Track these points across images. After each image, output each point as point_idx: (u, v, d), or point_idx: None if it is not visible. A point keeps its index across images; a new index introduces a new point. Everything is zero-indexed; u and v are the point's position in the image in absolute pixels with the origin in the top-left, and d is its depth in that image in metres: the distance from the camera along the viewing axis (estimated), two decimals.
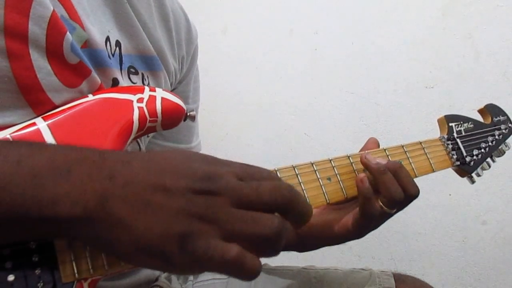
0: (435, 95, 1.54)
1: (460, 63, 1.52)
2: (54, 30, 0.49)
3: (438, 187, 1.52)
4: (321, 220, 0.70)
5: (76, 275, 0.42)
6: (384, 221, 0.68)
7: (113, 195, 0.38)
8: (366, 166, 0.65)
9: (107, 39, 0.58)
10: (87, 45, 0.54)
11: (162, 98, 0.56)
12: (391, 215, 0.66)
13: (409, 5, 1.57)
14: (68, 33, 0.50)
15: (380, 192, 0.64)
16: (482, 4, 1.49)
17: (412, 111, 1.56)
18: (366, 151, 0.68)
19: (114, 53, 0.60)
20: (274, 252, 0.41)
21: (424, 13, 1.55)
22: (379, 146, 0.72)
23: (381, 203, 0.64)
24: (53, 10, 0.49)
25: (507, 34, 1.47)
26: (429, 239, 1.55)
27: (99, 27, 0.57)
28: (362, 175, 0.64)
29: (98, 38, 0.56)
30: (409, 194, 0.65)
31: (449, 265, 1.53)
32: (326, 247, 0.74)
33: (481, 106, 0.85)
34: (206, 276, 0.84)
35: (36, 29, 0.48)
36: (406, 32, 1.57)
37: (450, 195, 1.52)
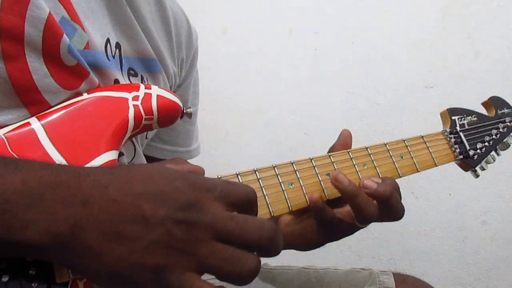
0: (435, 95, 1.53)
1: (460, 63, 1.51)
2: (51, 32, 0.48)
3: (438, 187, 1.52)
4: (298, 228, 0.67)
5: (71, 274, 0.41)
6: (357, 231, 0.65)
7: (86, 223, 0.37)
8: (337, 188, 0.60)
9: (107, 41, 0.58)
10: (89, 46, 0.54)
11: (158, 96, 0.56)
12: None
13: (409, 5, 1.57)
14: (65, 35, 0.50)
15: (353, 210, 0.61)
16: (482, 4, 1.49)
17: (412, 111, 1.56)
18: (337, 170, 0.63)
19: (114, 55, 0.59)
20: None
21: (424, 13, 1.55)
22: (351, 138, 0.69)
23: (353, 216, 0.61)
24: (50, 13, 0.48)
25: (507, 34, 1.47)
26: (429, 239, 1.54)
27: (98, 29, 0.57)
28: (315, 196, 0.60)
29: (98, 40, 0.56)
30: (393, 218, 0.62)
31: (449, 265, 1.53)
32: (325, 246, 0.73)
33: (485, 98, 0.83)
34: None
35: (33, 31, 0.47)
36: (406, 32, 1.57)
37: (450, 195, 1.52)
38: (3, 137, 0.46)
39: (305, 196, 0.59)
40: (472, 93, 1.48)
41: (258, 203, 0.53)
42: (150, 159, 0.77)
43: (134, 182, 0.40)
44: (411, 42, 1.56)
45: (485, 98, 0.84)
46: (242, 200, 0.42)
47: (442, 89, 1.53)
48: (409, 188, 1.53)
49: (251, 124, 1.74)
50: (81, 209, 0.37)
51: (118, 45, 0.60)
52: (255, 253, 0.41)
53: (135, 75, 0.63)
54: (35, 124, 0.48)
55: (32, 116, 0.49)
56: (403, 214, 0.62)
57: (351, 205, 0.60)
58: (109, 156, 0.50)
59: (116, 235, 0.37)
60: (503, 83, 1.47)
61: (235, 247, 0.40)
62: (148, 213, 0.38)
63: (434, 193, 1.53)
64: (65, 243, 0.37)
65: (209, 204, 0.40)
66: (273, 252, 0.42)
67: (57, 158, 0.47)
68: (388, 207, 0.60)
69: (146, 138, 0.70)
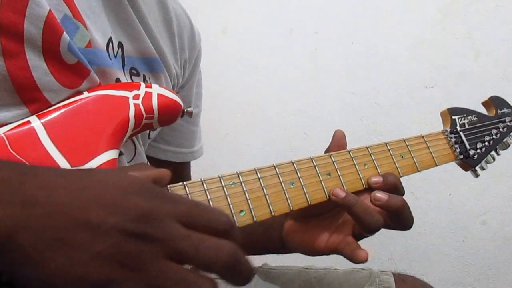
0: (435, 95, 1.54)
1: (460, 63, 1.52)
2: (51, 30, 0.48)
3: (438, 187, 1.52)
4: (304, 237, 0.67)
5: None
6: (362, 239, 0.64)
7: (26, 226, 0.33)
8: (335, 203, 0.60)
9: (110, 40, 0.58)
10: (91, 45, 0.54)
11: (158, 95, 0.55)
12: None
13: (409, 5, 1.57)
14: (65, 33, 0.49)
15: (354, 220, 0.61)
16: (482, 4, 1.49)
17: (412, 111, 1.56)
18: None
19: (116, 55, 0.59)
20: None
21: (424, 13, 1.55)
22: (345, 138, 0.69)
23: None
24: (50, 10, 0.48)
25: (507, 34, 1.47)
26: (429, 239, 1.54)
27: (100, 28, 0.57)
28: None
29: (100, 38, 0.56)
30: (402, 228, 0.62)
31: (449, 265, 1.53)
32: None
33: (485, 98, 0.83)
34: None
35: (32, 29, 0.47)
36: (406, 32, 1.57)
37: (450, 195, 1.52)
38: (3, 135, 0.46)
39: (305, 195, 0.59)
40: (472, 93, 1.48)
41: (259, 203, 0.54)
42: (153, 160, 0.77)
43: (88, 188, 0.36)
44: (411, 42, 1.56)
45: (485, 98, 0.84)
46: (206, 227, 0.38)
47: (442, 89, 1.53)
48: (409, 188, 1.53)
49: (251, 124, 1.74)
50: (20, 210, 0.34)
51: (120, 45, 0.60)
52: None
53: (137, 74, 0.63)
54: (35, 122, 0.48)
55: (32, 114, 0.49)
56: (412, 224, 0.62)
57: (351, 215, 0.60)
58: (109, 155, 0.50)
59: (58, 242, 0.33)
60: (503, 83, 1.47)
61: (191, 270, 0.36)
62: (96, 221, 0.34)
63: (434, 193, 1.53)
64: None
65: (165, 219, 0.36)
66: (234, 279, 0.37)
67: (57, 157, 0.47)
68: (399, 218, 0.60)
69: (149, 138, 0.70)
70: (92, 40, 0.54)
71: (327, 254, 0.65)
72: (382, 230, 0.61)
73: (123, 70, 0.60)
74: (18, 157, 0.46)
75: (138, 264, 0.34)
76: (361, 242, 0.63)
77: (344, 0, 1.64)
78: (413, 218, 0.62)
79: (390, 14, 1.58)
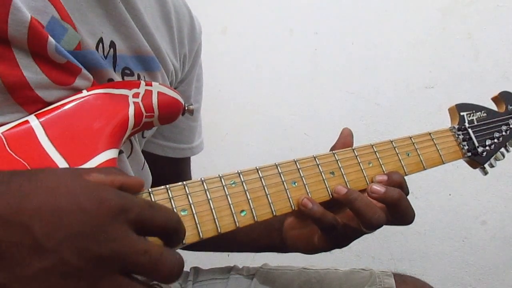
0: (435, 95, 1.53)
1: (460, 63, 1.51)
2: (35, 33, 0.47)
3: (438, 187, 1.51)
4: (304, 233, 0.66)
5: None
6: (364, 234, 0.63)
7: None
8: (337, 200, 0.59)
9: (100, 40, 0.57)
10: (81, 46, 0.53)
11: (159, 93, 0.55)
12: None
13: (409, 5, 1.57)
14: (50, 37, 0.48)
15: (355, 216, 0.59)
16: (482, 4, 1.49)
17: (412, 111, 1.55)
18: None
19: (107, 55, 0.58)
20: None
21: (424, 13, 1.55)
22: (353, 137, 0.68)
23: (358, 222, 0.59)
24: (32, 17, 0.47)
25: (507, 34, 1.47)
26: (429, 239, 1.54)
27: (91, 29, 0.56)
28: (304, 199, 0.57)
29: (90, 39, 0.55)
30: (403, 223, 0.61)
31: (449, 265, 1.53)
32: None
33: (495, 93, 0.80)
34: (206, 275, 0.84)
35: (17, 34, 0.46)
36: (406, 32, 1.57)
37: (450, 195, 1.51)
38: (1, 135, 0.46)
39: (308, 195, 0.58)
40: (472, 93, 1.47)
41: (261, 203, 0.53)
42: (151, 156, 0.76)
43: (31, 195, 0.33)
44: (411, 42, 1.56)
45: (495, 94, 0.81)
46: (161, 228, 0.38)
47: (442, 89, 1.53)
48: (409, 188, 1.53)
49: (251, 124, 1.73)
50: None
51: (112, 44, 0.59)
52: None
53: (131, 74, 0.61)
54: (34, 122, 0.48)
55: (29, 114, 0.48)
56: (413, 218, 0.61)
57: (352, 211, 0.58)
58: (109, 154, 0.49)
59: None
60: (503, 83, 1.47)
61: (140, 283, 0.35)
62: (40, 235, 0.31)
63: (434, 193, 1.53)
64: None
65: (118, 230, 0.34)
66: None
67: (56, 156, 0.47)
68: (397, 211, 0.59)
69: (143, 137, 0.68)
70: (82, 41, 0.53)
71: (325, 249, 0.64)
72: (383, 229, 0.60)
73: (114, 70, 0.59)
74: (16, 157, 0.45)
75: (88, 280, 0.32)
76: (361, 242, 0.62)
77: (344, 0, 1.64)
78: (413, 212, 0.60)
79: (390, 14, 1.58)
